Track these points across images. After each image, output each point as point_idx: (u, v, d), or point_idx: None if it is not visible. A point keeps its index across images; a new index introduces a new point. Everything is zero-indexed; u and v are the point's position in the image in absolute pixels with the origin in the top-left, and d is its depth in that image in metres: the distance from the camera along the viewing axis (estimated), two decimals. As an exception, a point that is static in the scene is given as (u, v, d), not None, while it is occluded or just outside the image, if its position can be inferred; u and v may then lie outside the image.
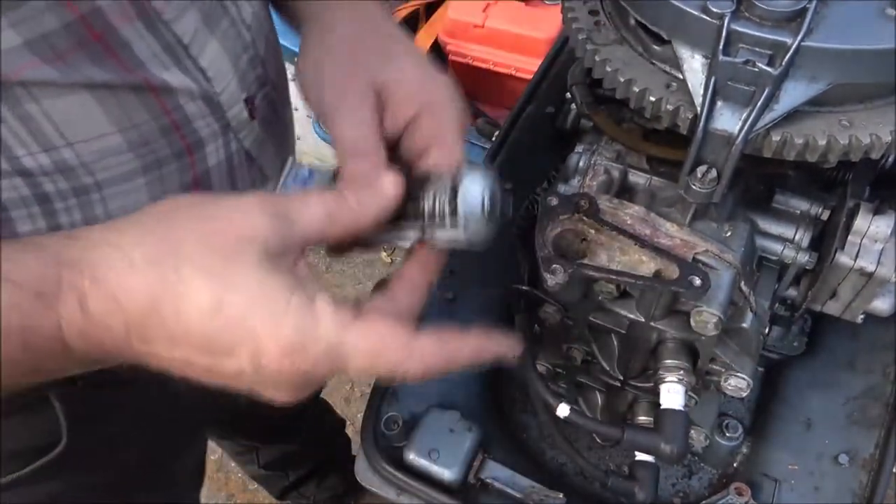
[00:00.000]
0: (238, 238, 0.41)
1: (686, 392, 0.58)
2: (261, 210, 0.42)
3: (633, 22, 0.55)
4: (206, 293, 0.40)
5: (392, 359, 0.43)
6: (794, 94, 0.48)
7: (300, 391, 0.44)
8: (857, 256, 0.60)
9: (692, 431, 0.65)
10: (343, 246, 0.50)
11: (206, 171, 0.62)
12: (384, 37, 0.58)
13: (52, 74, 0.48)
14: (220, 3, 0.60)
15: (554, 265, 0.52)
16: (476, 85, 1.67)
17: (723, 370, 0.61)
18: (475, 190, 0.47)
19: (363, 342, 0.42)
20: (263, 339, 0.40)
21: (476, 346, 0.46)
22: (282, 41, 0.72)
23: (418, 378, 0.44)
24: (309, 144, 1.84)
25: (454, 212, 0.46)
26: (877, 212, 0.59)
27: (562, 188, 0.65)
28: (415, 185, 0.48)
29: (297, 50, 0.59)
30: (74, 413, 0.68)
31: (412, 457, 0.64)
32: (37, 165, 0.51)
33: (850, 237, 0.59)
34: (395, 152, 0.55)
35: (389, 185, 0.47)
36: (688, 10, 0.48)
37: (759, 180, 0.64)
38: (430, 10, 1.74)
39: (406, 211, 0.48)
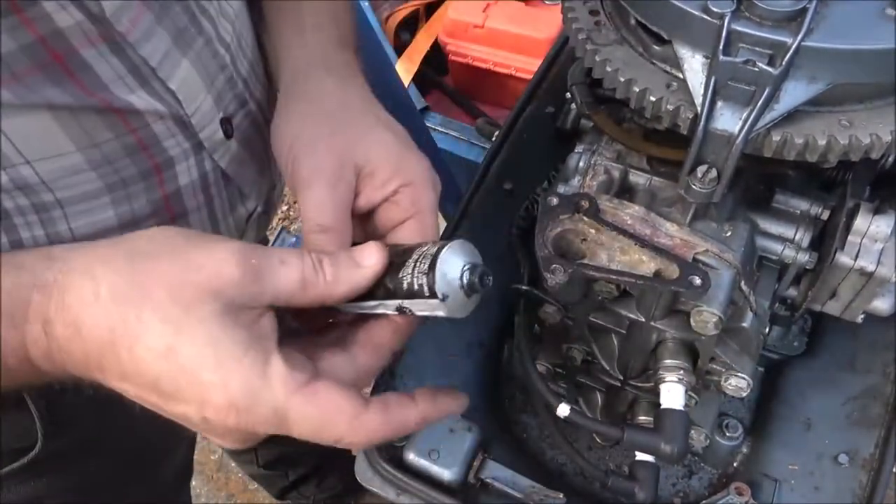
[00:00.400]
0: (203, 289, 0.41)
1: (686, 392, 0.58)
2: (235, 262, 0.42)
3: (633, 22, 0.55)
4: (160, 338, 0.41)
5: (335, 432, 0.44)
6: (794, 94, 0.48)
7: (244, 443, 0.45)
8: (857, 256, 0.60)
9: (692, 431, 0.65)
10: (316, 316, 0.50)
11: (177, 189, 0.62)
12: (364, 113, 0.58)
13: (7, 97, 0.48)
14: (195, 23, 0.59)
15: (554, 265, 0.52)
16: (476, 85, 1.67)
17: (723, 370, 0.61)
18: (454, 265, 0.45)
19: (309, 411, 0.43)
20: (210, 394, 0.41)
21: (422, 413, 0.47)
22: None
23: (362, 447, 0.44)
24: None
25: (432, 288, 0.45)
26: (877, 212, 0.59)
27: (562, 188, 0.65)
28: (392, 259, 0.48)
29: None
30: (51, 416, 0.68)
31: (412, 457, 0.64)
32: None
33: (850, 237, 0.59)
34: (366, 228, 0.55)
35: (371, 262, 0.47)
36: (688, 9, 0.48)
37: (759, 180, 0.64)
38: (430, 10, 1.74)
39: (383, 284, 0.47)
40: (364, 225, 0.55)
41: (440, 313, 0.46)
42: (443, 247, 0.46)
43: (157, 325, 0.41)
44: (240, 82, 0.66)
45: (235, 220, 0.72)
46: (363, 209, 0.54)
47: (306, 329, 0.51)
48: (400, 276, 0.46)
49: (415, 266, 0.46)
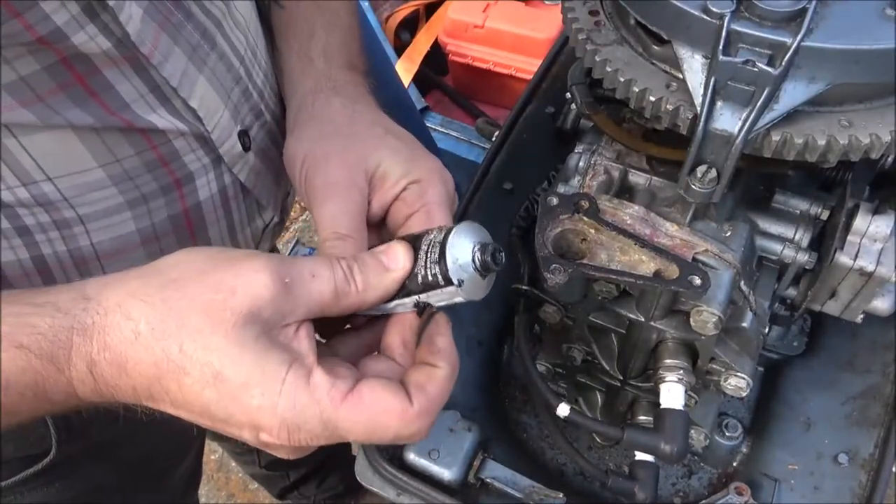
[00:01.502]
0: (239, 313, 0.42)
1: (686, 392, 0.58)
2: (267, 282, 0.42)
3: (633, 22, 0.55)
4: (206, 368, 0.41)
5: (389, 431, 0.44)
6: (793, 94, 0.48)
7: (303, 454, 0.45)
8: (856, 256, 0.60)
9: (692, 431, 0.65)
10: (336, 325, 0.50)
11: (198, 203, 0.62)
12: (373, 125, 0.58)
13: (29, 117, 0.48)
14: (207, 39, 0.59)
15: (554, 265, 0.52)
16: (476, 85, 1.67)
17: (723, 370, 0.61)
18: (464, 248, 0.45)
19: (358, 418, 0.43)
20: (261, 418, 0.42)
21: (451, 367, 0.47)
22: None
23: (423, 437, 0.45)
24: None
25: (446, 276, 0.44)
26: (876, 212, 0.59)
27: (562, 188, 0.65)
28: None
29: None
30: (66, 423, 0.68)
31: (412, 456, 0.64)
32: (15, 199, 0.51)
33: (849, 237, 0.59)
34: (381, 234, 0.55)
35: (400, 264, 0.47)
36: (688, 10, 0.48)
37: (758, 180, 0.64)
38: (430, 10, 1.74)
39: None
40: (379, 232, 0.56)
41: (459, 299, 0.46)
42: (449, 231, 0.45)
43: (201, 354, 0.41)
44: (255, 94, 0.66)
45: (253, 231, 0.72)
46: (377, 215, 0.55)
47: (322, 336, 0.51)
48: (413, 270, 0.46)
49: (425, 257, 0.46)
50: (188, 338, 0.41)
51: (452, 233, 0.45)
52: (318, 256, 0.48)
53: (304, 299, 0.44)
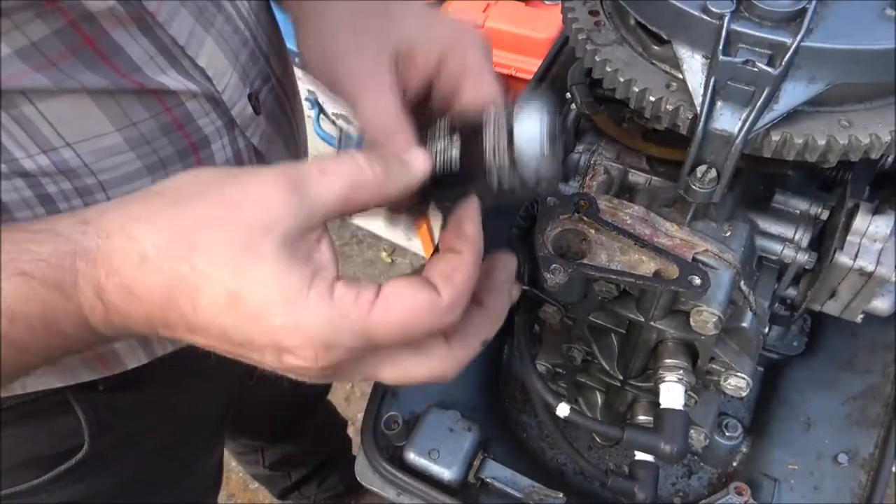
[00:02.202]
0: (253, 227, 0.39)
1: (686, 392, 0.58)
2: (278, 190, 0.39)
3: (632, 22, 0.55)
4: (221, 286, 0.38)
5: (424, 326, 0.41)
6: (793, 94, 0.48)
7: (328, 378, 0.43)
8: (856, 256, 0.60)
9: (692, 431, 0.65)
10: (395, 206, 0.48)
11: None
12: (384, 2, 0.55)
13: (44, 82, 0.48)
14: (213, 1, 0.59)
15: (554, 265, 0.52)
16: (476, 85, 1.66)
17: (722, 370, 0.61)
18: (532, 128, 0.42)
19: (390, 320, 0.40)
20: (284, 338, 0.39)
21: (474, 252, 0.44)
22: (289, 45, 0.72)
23: (455, 319, 0.42)
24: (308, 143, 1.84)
25: (513, 160, 0.42)
26: (876, 212, 0.59)
27: (562, 188, 0.65)
28: (463, 134, 0.45)
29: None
30: (97, 417, 0.68)
31: (412, 456, 0.64)
32: (36, 167, 0.50)
33: (849, 237, 0.59)
34: (425, 108, 0.53)
35: (418, 162, 0.44)
36: (688, 10, 0.48)
37: (758, 180, 0.64)
38: (430, 10, 1.74)
39: (461, 165, 0.44)
40: (424, 116, 0.53)
41: (530, 183, 0.44)
42: (515, 108, 0.43)
43: (215, 270, 0.38)
44: (262, 57, 0.66)
45: None
46: (414, 90, 0.52)
47: None
48: (480, 151, 0.44)
49: (493, 138, 0.43)
50: (199, 257, 0.38)
51: (521, 112, 0.43)
52: (325, 157, 0.45)
53: (319, 200, 0.40)
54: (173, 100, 0.56)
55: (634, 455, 0.59)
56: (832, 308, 0.66)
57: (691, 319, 0.55)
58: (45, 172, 0.51)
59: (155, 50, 0.53)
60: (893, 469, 0.66)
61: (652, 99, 0.52)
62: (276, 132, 0.69)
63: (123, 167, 0.55)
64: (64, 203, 0.53)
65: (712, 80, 0.48)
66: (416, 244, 2.11)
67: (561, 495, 0.63)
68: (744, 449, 0.72)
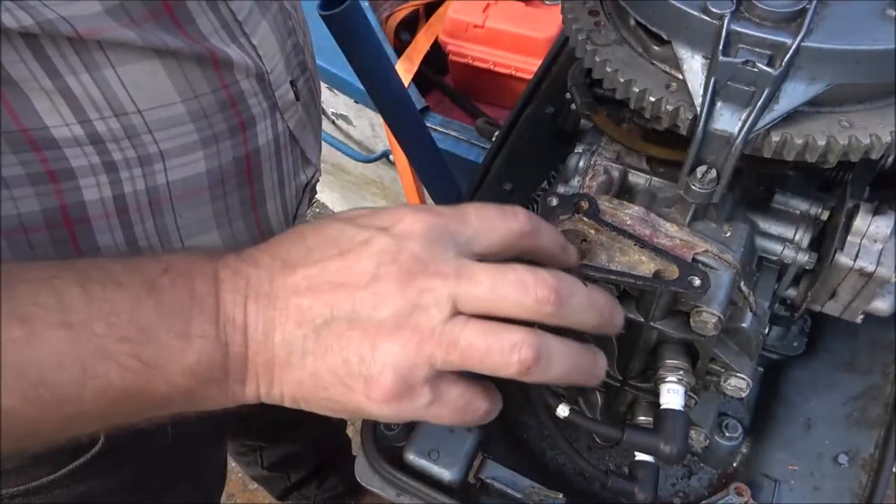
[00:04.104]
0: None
1: (686, 392, 0.58)
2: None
3: (633, 22, 0.55)
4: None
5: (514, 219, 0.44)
6: (793, 94, 0.48)
7: (405, 281, 0.42)
8: (856, 257, 0.60)
9: (692, 431, 0.65)
10: None
11: (257, 149, 0.64)
12: None
13: (131, 35, 0.49)
14: None
15: (554, 265, 0.52)
16: (476, 85, 1.67)
17: (722, 370, 0.61)
18: None
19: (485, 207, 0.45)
20: (406, 211, 0.43)
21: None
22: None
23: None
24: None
25: None
26: (876, 212, 0.59)
27: (562, 188, 0.65)
28: None
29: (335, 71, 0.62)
30: None
31: (412, 457, 0.64)
32: (107, 130, 0.52)
33: (849, 237, 0.59)
34: None
35: None
36: (688, 10, 0.48)
37: (758, 180, 0.64)
38: (430, 10, 1.74)
39: None
40: None
41: None
42: None
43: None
44: (302, 49, 0.70)
45: (297, 185, 0.74)
46: None
47: None
48: None
49: None
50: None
51: None
52: None
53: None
54: (230, 77, 0.58)
55: (634, 456, 0.59)
56: (832, 308, 0.66)
57: (691, 320, 0.55)
58: (114, 137, 0.52)
59: (219, 24, 0.56)
60: (894, 469, 0.66)
61: (652, 99, 0.52)
62: (308, 121, 0.72)
63: (181, 138, 0.56)
64: (126, 171, 0.54)
65: (712, 80, 0.48)
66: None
67: (561, 496, 0.63)
68: (744, 449, 0.72)
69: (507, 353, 0.40)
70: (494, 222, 0.44)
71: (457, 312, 0.41)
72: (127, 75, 0.51)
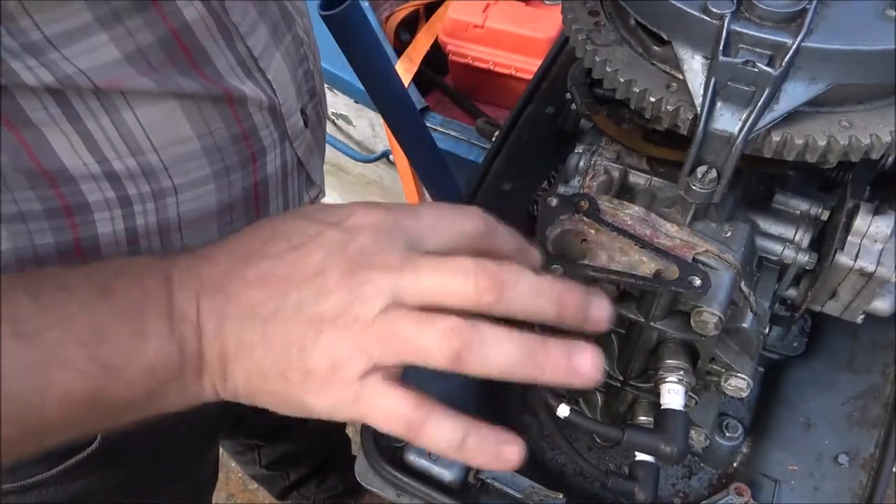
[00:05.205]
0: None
1: (686, 392, 0.58)
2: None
3: (633, 22, 0.55)
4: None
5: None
6: (794, 94, 0.48)
7: (357, 264, 0.41)
8: (856, 257, 0.60)
9: (692, 432, 0.65)
10: None
11: (265, 177, 0.65)
12: None
13: (148, 84, 0.51)
14: (286, 18, 0.63)
15: (554, 266, 0.52)
16: (476, 85, 1.67)
17: (723, 370, 0.61)
18: None
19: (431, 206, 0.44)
20: (358, 206, 0.43)
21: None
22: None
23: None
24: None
25: None
26: (877, 212, 0.59)
27: (562, 188, 0.65)
28: None
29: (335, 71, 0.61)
30: None
31: (412, 457, 0.64)
32: (124, 168, 0.53)
33: (849, 237, 0.59)
34: None
35: None
36: (688, 10, 0.48)
37: (759, 180, 0.64)
38: (430, 10, 1.74)
39: None
40: None
41: None
42: None
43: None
44: (313, 75, 0.70)
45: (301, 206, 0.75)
46: None
47: None
48: None
49: None
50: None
51: None
52: None
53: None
54: (244, 111, 0.59)
55: (635, 456, 0.59)
56: (832, 308, 0.66)
57: (692, 320, 0.55)
58: (130, 175, 0.53)
59: (235, 62, 0.57)
60: (894, 469, 0.66)
61: (652, 99, 0.52)
62: (315, 144, 0.73)
63: (195, 172, 0.57)
64: (139, 205, 0.55)
65: (712, 80, 0.48)
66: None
67: (561, 496, 0.63)
68: (744, 449, 0.72)
69: (436, 340, 0.38)
70: (448, 221, 0.44)
71: (399, 304, 0.40)
72: (145, 117, 0.52)
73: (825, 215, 0.63)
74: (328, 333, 0.40)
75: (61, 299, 0.39)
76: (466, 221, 0.44)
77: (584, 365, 0.40)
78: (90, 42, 0.47)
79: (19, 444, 0.40)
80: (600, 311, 0.42)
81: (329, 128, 1.77)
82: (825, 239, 0.63)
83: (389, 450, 0.66)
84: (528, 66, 1.54)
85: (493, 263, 0.40)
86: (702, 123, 0.49)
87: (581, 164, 0.65)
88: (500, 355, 0.39)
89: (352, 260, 0.40)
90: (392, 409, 0.40)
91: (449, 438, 0.40)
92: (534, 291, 0.40)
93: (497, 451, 0.40)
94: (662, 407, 0.58)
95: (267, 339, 0.40)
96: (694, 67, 0.50)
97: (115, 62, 0.49)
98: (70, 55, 0.46)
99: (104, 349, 0.39)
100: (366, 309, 0.39)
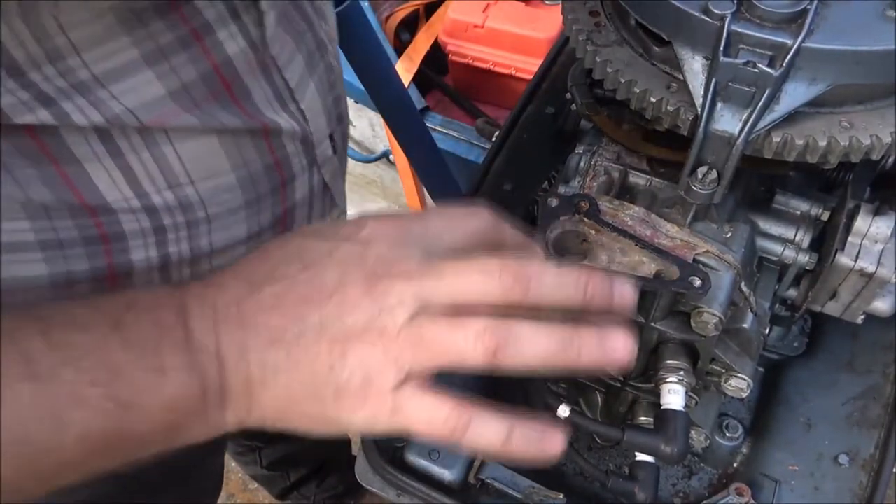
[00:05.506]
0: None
1: (686, 393, 0.58)
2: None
3: (633, 23, 0.55)
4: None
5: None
6: (794, 95, 0.48)
7: (376, 274, 0.41)
8: (857, 257, 0.60)
9: (692, 432, 0.65)
10: None
11: (294, 204, 0.65)
12: None
13: (192, 121, 0.51)
14: (319, 48, 0.63)
15: (554, 266, 0.52)
16: (476, 85, 1.66)
17: (723, 371, 0.61)
18: None
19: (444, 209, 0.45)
20: (369, 219, 0.43)
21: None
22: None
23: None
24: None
25: None
26: (877, 212, 0.59)
27: (562, 189, 0.65)
28: None
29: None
30: None
31: (412, 457, 0.64)
32: (162, 202, 0.53)
33: (850, 238, 0.59)
34: None
35: None
36: (688, 11, 0.48)
37: (759, 181, 0.64)
38: (430, 10, 1.74)
39: None
40: None
41: None
42: None
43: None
44: (341, 100, 0.70)
45: None
46: None
47: None
48: None
49: None
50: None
51: None
52: None
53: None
54: (278, 142, 0.59)
55: (635, 456, 0.59)
56: (833, 309, 0.66)
57: (692, 320, 0.55)
58: (167, 207, 0.53)
59: (272, 94, 0.57)
60: (894, 469, 0.66)
61: (653, 100, 0.52)
62: (340, 167, 0.73)
63: (228, 203, 0.57)
64: (173, 233, 0.56)
65: (713, 81, 0.48)
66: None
67: (561, 496, 0.63)
68: (744, 450, 0.72)
69: (470, 341, 0.39)
70: (456, 222, 0.44)
71: (423, 311, 0.40)
72: (184, 151, 0.52)
73: (825, 216, 0.63)
74: (356, 349, 0.39)
75: (74, 336, 0.39)
76: (474, 220, 0.44)
77: (617, 347, 0.40)
78: (136, 79, 0.47)
79: (35, 486, 0.39)
80: (624, 291, 0.42)
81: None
82: (825, 239, 0.63)
83: (389, 450, 0.66)
84: (528, 66, 1.54)
85: (514, 259, 0.40)
86: (702, 124, 0.49)
87: (581, 164, 0.65)
88: (535, 348, 0.39)
89: (371, 272, 0.40)
90: (433, 416, 0.40)
91: (494, 437, 0.40)
92: (558, 281, 0.40)
93: (541, 443, 0.41)
94: (662, 407, 0.58)
95: (293, 362, 0.40)
96: (694, 68, 0.50)
97: (160, 99, 0.49)
98: (117, 93, 0.46)
99: (121, 387, 0.38)
100: (392, 319, 0.39)
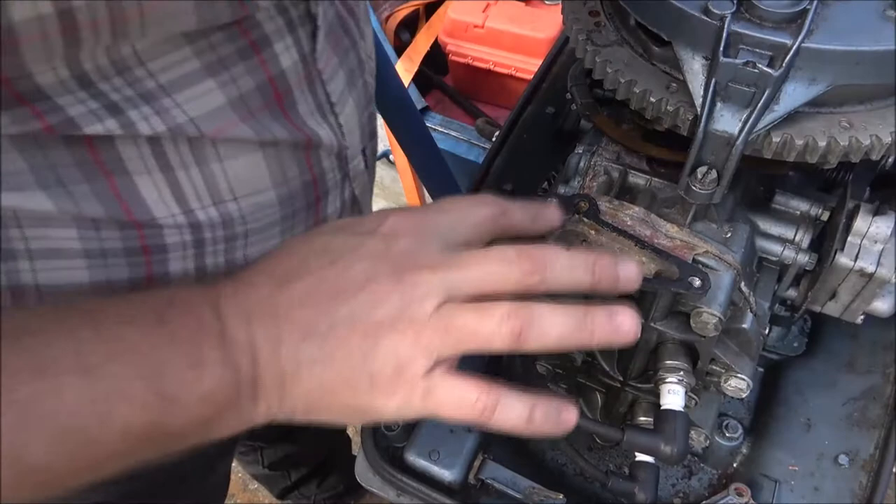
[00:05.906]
0: None
1: (686, 393, 0.58)
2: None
3: (633, 23, 0.55)
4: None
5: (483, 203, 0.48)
6: (794, 95, 0.48)
7: (401, 266, 0.44)
8: (856, 257, 0.60)
9: (692, 432, 0.65)
10: None
11: (325, 217, 0.65)
12: None
13: (248, 132, 0.51)
14: (360, 66, 0.64)
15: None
16: (476, 85, 1.67)
17: (723, 371, 0.61)
18: None
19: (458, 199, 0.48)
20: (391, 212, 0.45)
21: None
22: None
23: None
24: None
25: None
26: (877, 213, 0.59)
27: (562, 189, 0.65)
28: None
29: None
30: None
31: (412, 457, 0.64)
32: (206, 218, 0.54)
33: (849, 238, 0.59)
34: None
35: None
36: (688, 11, 0.48)
37: (758, 181, 0.64)
38: (430, 10, 1.74)
39: None
40: None
41: None
42: None
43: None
44: (374, 118, 0.71)
45: None
46: None
47: None
48: None
49: None
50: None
51: None
52: None
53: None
54: (316, 156, 0.59)
55: (635, 456, 0.59)
56: (832, 309, 0.66)
57: (691, 321, 0.55)
58: (211, 223, 0.54)
59: (314, 106, 0.57)
60: (894, 470, 0.66)
61: (652, 100, 0.52)
62: (369, 180, 0.73)
63: (266, 218, 0.58)
64: (211, 247, 0.56)
65: (713, 81, 0.48)
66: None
67: (561, 496, 0.63)
68: (744, 450, 0.72)
69: (496, 325, 0.41)
70: (468, 210, 0.47)
71: (449, 300, 0.42)
72: (231, 168, 0.53)
73: (825, 216, 0.63)
74: (388, 338, 0.42)
75: (122, 330, 0.40)
76: (483, 208, 0.48)
77: (624, 322, 0.44)
78: (198, 88, 0.48)
79: (78, 477, 0.40)
80: (629, 272, 0.46)
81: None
82: (825, 239, 0.63)
83: (389, 450, 0.66)
84: (528, 66, 1.54)
85: (530, 247, 0.43)
86: (702, 124, 0.49)
87: (581, 164, 0.65)
88: (555, 328, 0.43)
89: (398, 264, 0.43)
90: (462, 399, 0.43)
91: (518, 416, 0.44)
92: (570, 266, 0.44)
93: (559, 417, 0.45)
94: (662, 407, 0.58)
95: (327, 354, 0.42)
96: (694, 68, 0.50)
97: (220, 108, 0.49)
98: (181, 101, 0.47)
99: (164, 381, 0.40)
100: (421, 309, 0.42)
